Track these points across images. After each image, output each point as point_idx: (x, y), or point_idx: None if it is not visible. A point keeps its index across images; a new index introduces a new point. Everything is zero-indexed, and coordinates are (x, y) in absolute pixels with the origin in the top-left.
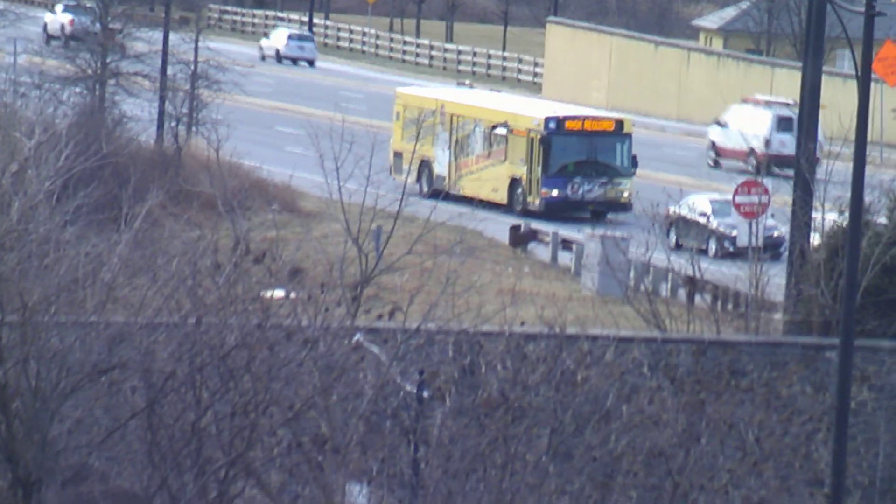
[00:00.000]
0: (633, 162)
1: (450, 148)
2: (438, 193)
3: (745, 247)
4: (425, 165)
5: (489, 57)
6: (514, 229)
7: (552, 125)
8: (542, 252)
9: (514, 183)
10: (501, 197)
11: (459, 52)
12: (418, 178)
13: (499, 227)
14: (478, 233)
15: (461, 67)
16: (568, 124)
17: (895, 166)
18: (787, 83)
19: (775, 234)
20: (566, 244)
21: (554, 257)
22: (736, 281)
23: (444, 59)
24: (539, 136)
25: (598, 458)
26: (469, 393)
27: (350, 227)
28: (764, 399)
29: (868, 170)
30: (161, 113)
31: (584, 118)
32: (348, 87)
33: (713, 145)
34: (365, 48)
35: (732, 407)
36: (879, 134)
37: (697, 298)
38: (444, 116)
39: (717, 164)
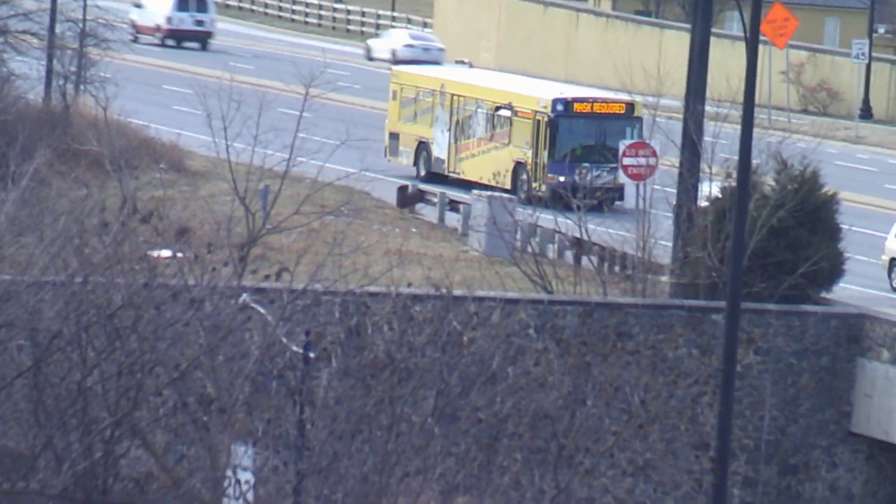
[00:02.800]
0: None
1: (450, 130)
2: (437, 177)
3: None
4: (423, 147)
5: (378, 17)
6: (402, 190)
7: (560, 107)
8: (429, 213)
9: (518, 167)
10: (504, 182)
11: (349, 12)
12: (415, 161)
13: (386, 188)
14: (365, 193)
15: (350, 27)
16: (576, 106)
17: (783, 129)
18: (675, 45)
19: None
20: (453, 205)
21: (441, 218)
22: (623, 243)
23: (334, 20)
24: (546, 119)
25: (484, 420)
26: (355, 354)
27: (237, 187)
28: (650, 362)
29: (756, 133)
30: (49, 71)
31: (594, 100)
32: (237, 46)
33: (133, 24)
34: (254, 7)
35: (618, 369)
36: (767, 97)
37: (584, 260)
38: (443, 96)
39: (136, 40)
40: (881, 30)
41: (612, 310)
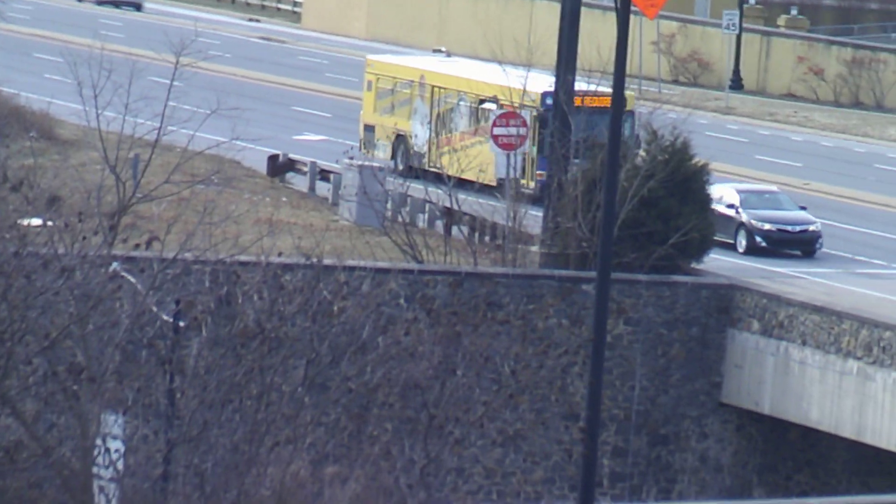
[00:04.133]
0: (637, 142)
1: (430, 122)
2: (416, 171)
3: (782, 241)
4: (401, 140)
5: None
6: (272, 159)
7: (549, 101)
8: (300, 182)
9: None
10: (490, 178)
11: None
12: (393, 154)
13: (257, 157)
14: (236, 162)
15: None
16: None
17: (653, 100)
18: (546, 14)
19: (811, 228)
20: (324, 174)
21: (312, 187)
22: (493, 213)
23: None
24: (535, 113)
25: (354, 390)
26: (225, 323)
27: (108, 156)
28: (520, 332)
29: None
30: None
31: (584, 93)
32: (108, 15)
33: None
34: None
35: (488, 339)
36: (638, 67)
37: (455, 230)
38: (423, 88)
39: None
40: (751, 1)
41: (483, 280)
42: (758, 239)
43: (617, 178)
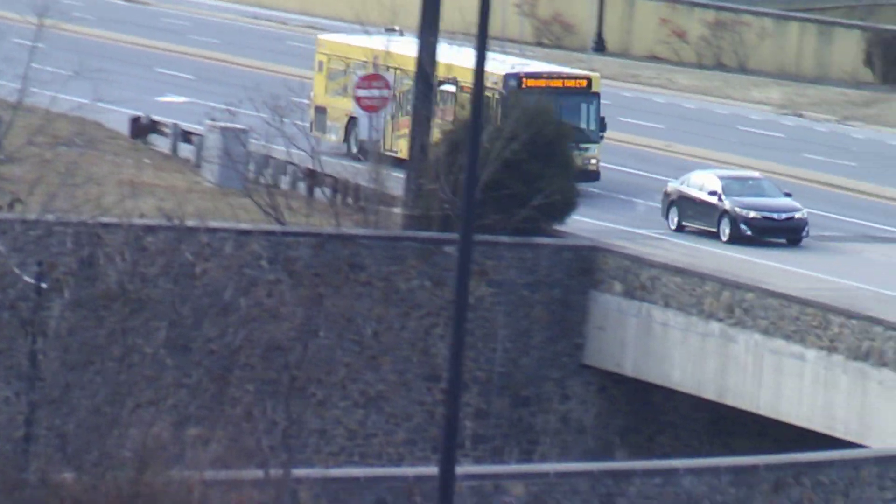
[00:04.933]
0: (602, 125)
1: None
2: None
3: (767, 229)
4: (354, 123)
5: None
6: (135, 121)
7: (512, 83)
8: (162, 143)
9: None
10: None
11: None
12: (346, 137)
13: (120, 119)
14: (98, 124)
15: None
16: (529, 82)
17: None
18: None
19: (797, 216)
20: (186, 136)
21: (174, 149)
22: (356, 174)
23: None
24: (497, 96)
25: (216, 351)
26: (88, 285)
27: None
28: (382, 293)
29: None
30: None
31: (549, 75)
32: None
33: None
34: None
35: (351, 301)
36: (502, 29)
37: (317, 192)
38: (378, 69)
39: None
40: None
41: (345, 241)
42: (742, 227)
43: (479, 140)
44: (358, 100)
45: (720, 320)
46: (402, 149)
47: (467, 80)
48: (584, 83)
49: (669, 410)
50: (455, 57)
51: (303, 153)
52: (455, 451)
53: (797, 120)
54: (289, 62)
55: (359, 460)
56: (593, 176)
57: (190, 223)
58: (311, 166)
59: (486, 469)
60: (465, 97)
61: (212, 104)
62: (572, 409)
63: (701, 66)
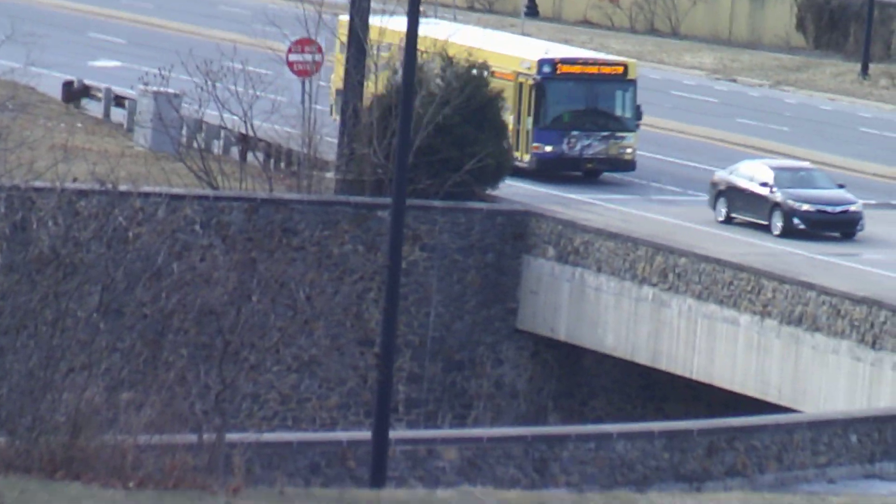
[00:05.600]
0: (638, 113)
1: None
2: None
3: (821, 223)
4: None
5: None
6: (67, 85)
7: (546, 69)
8: (95, 108)
9: None
10: None
11: None
12: None
13: (52, 83)
14: (31, 88)
15: None
16: (564, 68)
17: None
18: None
19: (851, 208)
20: (119, 100)
21: (107, 113)
22: (289, 139)
23: None
24: (530, 82)
25: (149, 316)
26: (20, 249)
27: None
28: (316, 258)
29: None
30: None
31: (584, 61)
32: None
33: None
34: None
35: (284, 265)
36: None
37: (250, 156)
38: (403, 52)
39: None
40: None
41: (278, 206)
42: (795, 221)
43: (412, 104)
44: (290, 64)
45: (653, 285)
46: None
47: (498, 65)
48: (621, 69)
49: (602, 375)
50: (484, 41)
51: (235, 117)
52: (388, 416)
53: (730, 85)
54: (221, 26)
55: (292, 425)
56: (629, 165)
57: (123, 188)
58: (243, 131)
59: (420, 434)
60: (497, 83)
61: (144, 68)
62: (505, 373)
63: (634, 31)
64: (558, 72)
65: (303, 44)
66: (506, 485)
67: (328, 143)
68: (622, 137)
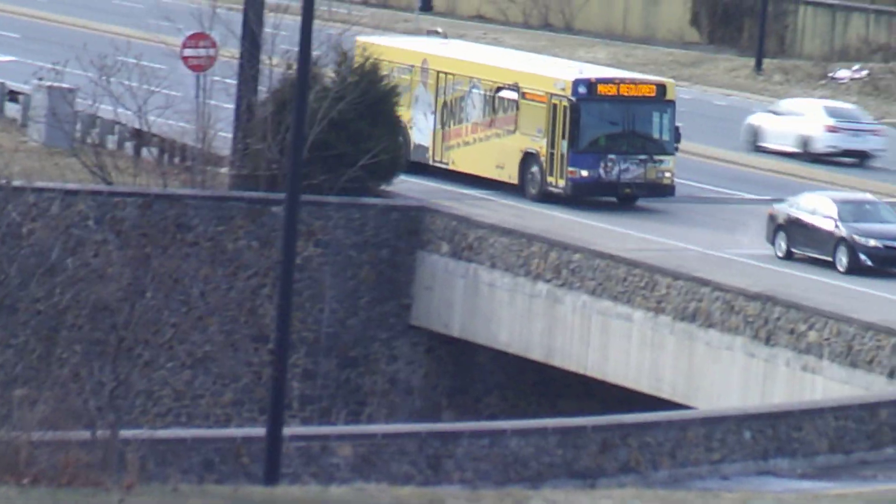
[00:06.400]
0: (677, 135)
1: (434, 112)
2: (417, 166)
3: (890, 259)
4: (399, 132)
5: None
6: None
7: (582, 89)
8: None
9: (528, 158)
10: (510, 175)
11: None
12: None
13: None
14: None
15: None
16: (601, 88)
17: (344, 21)
18: None
19: None
20: (13, 95)
21: (0, 108)
22: (183, 134)
23: None
24: (566, 104)
25: (43, 312)
26: None
27: None
28: (210, 253)
29: (316, 24)
30: None
31: (620, 81)
32: None
33: None
34: None
35: (178, 261)
36: None
37: (144, 151)
38: (426, 74)
39: None
40: None
41: (172, 201)
42: (862, 257)
43: (306, 99)
44: (185, 59)
45: (547, 281)
46: (453, 160)
47: (530, 86)
48: (659, 90)
49: (497, 371)
50: (516, 62)
51: (129, 113)
52: (282, 413)
53: None
54: (115, 21)
55: (186, 421)
56: (668, 190)
57: (16, 183)
58: (138, 126)
59: (314, 430)
60: (529, 105)
61: (38, 63)
62: (400, 369)
63: (528, 26)
64: (594, 93)
65: (197, 38)
66: (400, 481)
67: (222, 138)
68: (660, 161)
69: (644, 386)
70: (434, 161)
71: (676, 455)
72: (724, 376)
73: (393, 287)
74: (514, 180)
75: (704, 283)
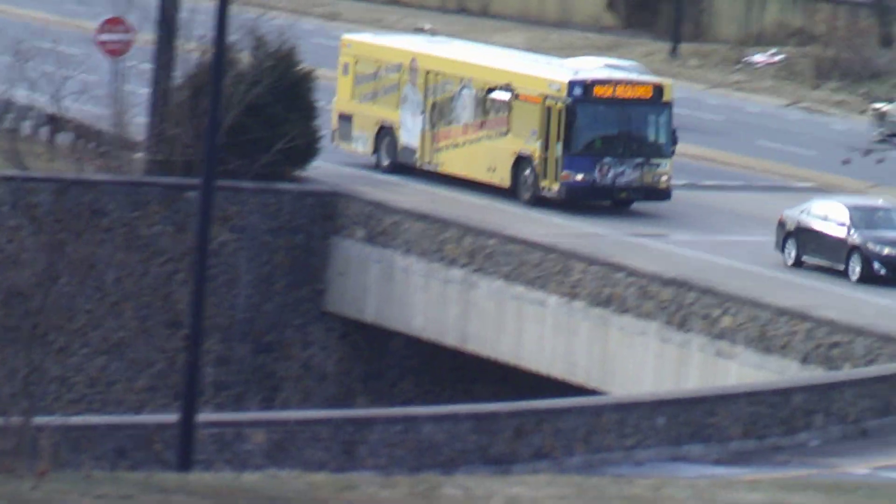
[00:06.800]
0: (673, 138)
1: (423, 113)
2: (405, 168)
3: None
4: (386, 133)
5: None
6: None
7: (577, 91)
8: None
9: (521, 162)
10: (502, 178)
11: None
12: (376, 149)
13: None
14: None
15: None
16: (597, 90)
17: (260, 5)
18: None
19: None
20: None
21: None
22: (98, 120)
23: None
24: (561, 105)
25: None
26: None
27: None
28: (124, 239)
29: (232, 9)
30: None
31: (617, 82)
32: None
33: None
34: None
35: (93, 247)
36: None
37: (60, 137)
38: (414, 73)
39: None
40: None
41: (87, 187)
42: (876, 266)
43: (222, 84)
44: (101, 44)
45: (462, 266)
46: (443, 162)
47: (523, 86)
48: (656, 91)
49: (411, 357)
50: (508, 62)
51: (45, 98)
52: (196, 399)
53: None
54: (31, 5)
55: (100, 408)
56: (665, 194)
57: None
58: (53, 111)
59: (228, 416)
60: (522, 105)
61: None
62: (314, 355)
63: (444, 10)
64: (591, 94)
65: (113, 23)
66: (314, 467)
67: (138, 123)
68: (657, 164)
69: (558, 371)
70: (423, 163)
71: (590, 441)
72: (638, 362)
73: (307, 272)
74: (506, 184)
75: (619, 268)
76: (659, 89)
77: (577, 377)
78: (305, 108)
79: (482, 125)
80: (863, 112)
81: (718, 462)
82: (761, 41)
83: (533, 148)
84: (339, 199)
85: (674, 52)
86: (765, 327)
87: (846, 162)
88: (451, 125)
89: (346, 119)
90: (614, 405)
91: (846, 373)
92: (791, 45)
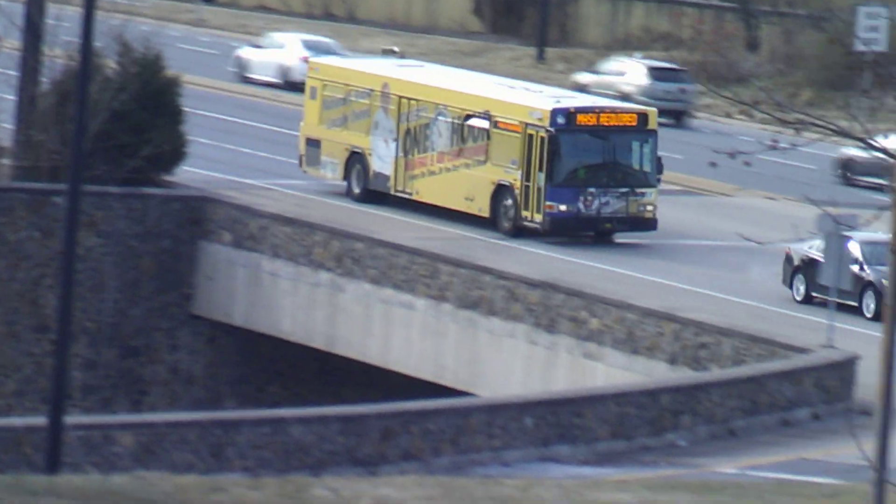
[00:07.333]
0: (659, 166)
1: (397, 139)
2: (377, 195)
3: None
4: (357, 159)
5: None
6: None
7: (560, 120)
8: None
9: (500, 191)
10: (480, 208)
11: None
12: (346, 175)
13: None
14: None
15: None
16: (580, 118)
17: (126, 11)
18: None
19: None
20: None
21: None
22: None
23: None
24: (542, 134)
25: None
26: None
27: None
28: None
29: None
30: None
31: (601, 110)
32: None
33: None
34: None
35: None
36: None
37: None
38: (387, 98)
39: None
40: None
41: None
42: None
43: (88, 90)
44: None
45: (329, 270)
46: (418, 190)
47: (503, 114)
48: (640, 119)
49: (279, 360)
50: (489, 90)
51: None
52: (64, 402)
53: None
54: None
55: None
56: (650, 224)
57: None
58: None
59: (95, 420)
60: (501, 134)
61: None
62: (181, 359)
63: (310, 17)
64: (573, 123)
65: None
66: (182, 470)
67: (4, 129)
68: (642, 194)
69: (426, 374)
70: (396, 191)
71: (458, 442)
72: (506, 364)
73: (175, 277)
74: (486, 213)
75: (486, 271)
76: (644, 117)
77: (446, 379)
78: (172, 113)
79: (459, 153)
80: (728, 115)
81: (586, 462)
82: (627, 46)
83: (513, 177)
84: (206, 203)
85: (540, 56)
86: (632, 329)
87: (713, 165)
88: (426, 152)
89: (313, 144)
90: (482, 407)
91: (713, 374)
92: (657, 49)
